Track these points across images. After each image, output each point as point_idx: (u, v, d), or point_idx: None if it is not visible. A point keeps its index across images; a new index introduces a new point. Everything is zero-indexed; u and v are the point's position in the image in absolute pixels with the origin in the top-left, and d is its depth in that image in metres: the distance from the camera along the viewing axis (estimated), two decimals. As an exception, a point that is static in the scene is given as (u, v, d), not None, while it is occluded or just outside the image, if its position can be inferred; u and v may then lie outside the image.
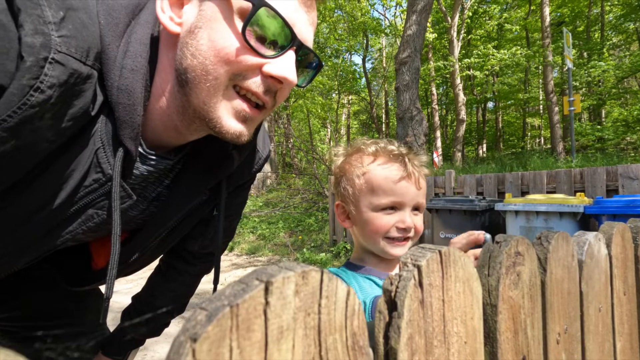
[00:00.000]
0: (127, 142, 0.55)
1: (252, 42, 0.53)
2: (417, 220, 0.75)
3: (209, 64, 0.53)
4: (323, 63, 0.66)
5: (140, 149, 0.61)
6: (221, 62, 0.53)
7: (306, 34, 0.58)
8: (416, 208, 0.75)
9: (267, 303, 0.21)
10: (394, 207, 0.73)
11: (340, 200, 0.80)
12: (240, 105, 0.56)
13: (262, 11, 0.53)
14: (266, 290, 0.21)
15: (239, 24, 0.53)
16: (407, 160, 0.75)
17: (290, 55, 0.56)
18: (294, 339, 0.23)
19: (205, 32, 0.53)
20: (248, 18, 0.52)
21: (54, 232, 0.59)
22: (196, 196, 0.69)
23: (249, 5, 0.52)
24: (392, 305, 0.31)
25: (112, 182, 0.56)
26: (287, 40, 0.55)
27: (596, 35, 14.64)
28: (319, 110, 14.31)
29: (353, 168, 0.76)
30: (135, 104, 0.54)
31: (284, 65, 0.55)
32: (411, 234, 0.74)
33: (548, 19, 10.95)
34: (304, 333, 0.23)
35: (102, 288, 0.68)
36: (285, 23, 0.54)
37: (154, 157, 0.63)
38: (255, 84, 0.55)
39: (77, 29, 0.48)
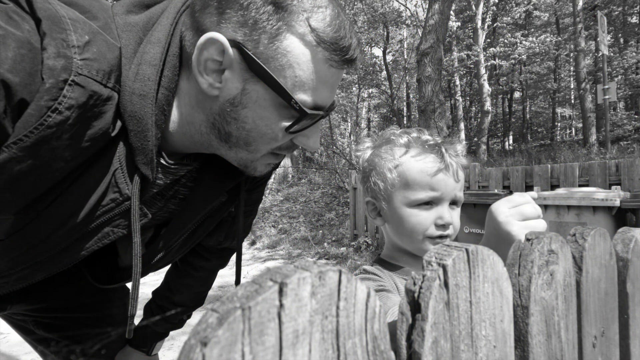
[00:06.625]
0: (142, 168, 0.56)
1: (292, 129, 0.58)
2: (454, 216, 0.69)
3: (252, 140, 0.58)
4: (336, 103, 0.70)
5: (162, 161, 0.62)
6: (263, 142, 0.59)
7: (333, 96, 0.61)
8: (454, 202, 0.69)
9: (281, 305, 0.20)
10: (430, 203, 0.67)
11: (370, 196, 0.73)
12: (272, 159, 0.64)
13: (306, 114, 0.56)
14: (280, 291, 0.20)
15: (283, 122, 0.57)
16: (443, 150, 0.68)
17: (318, 125, 0.61)
18: (311, 344, 0.21)
19: (250, 113, 0.56)
20: (292, 124, 0.57)
21: (71, 249, 0.60)
22: (215, 198, 0.69)
23: (295, 114, 0.56)
24: (416, 306, 0.29)
25: (131, 202, 0.57)
26: (319, 115, 0.59)
27: (633, 19, 13.76)
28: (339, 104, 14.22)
29: (383, 161, 0.70)
30: (145, 130, 0.54)
31: (312, 138, 0.61)
32: (450, 230, 0.68)
33: (581, 3, 10.39)
34: (321, 337, 0.22)
35: (129, 285, 0.69)
36: (322, 116, 0.60)
37: (175, 167, 0.64)
38: (288, 150, 0.64)
39: (101, 52, 0.49)
